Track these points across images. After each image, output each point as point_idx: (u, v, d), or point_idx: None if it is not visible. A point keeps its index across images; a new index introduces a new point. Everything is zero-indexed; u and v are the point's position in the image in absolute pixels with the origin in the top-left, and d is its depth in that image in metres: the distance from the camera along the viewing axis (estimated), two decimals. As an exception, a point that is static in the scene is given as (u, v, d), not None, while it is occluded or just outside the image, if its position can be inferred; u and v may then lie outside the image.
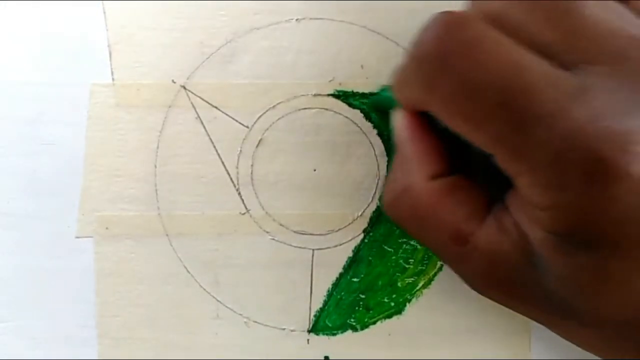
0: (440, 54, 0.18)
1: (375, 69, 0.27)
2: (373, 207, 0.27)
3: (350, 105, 0.27)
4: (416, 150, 0.21)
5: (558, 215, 0.18)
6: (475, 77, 0.18)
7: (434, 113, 0.20)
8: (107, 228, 0.26)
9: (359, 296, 0.26)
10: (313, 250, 0.26)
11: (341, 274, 0.26)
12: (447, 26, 0.18)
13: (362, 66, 0.27)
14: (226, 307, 0.26)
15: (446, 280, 0.26)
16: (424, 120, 0.22)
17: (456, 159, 0.22)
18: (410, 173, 0.21)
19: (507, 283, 0.20)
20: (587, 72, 0.17)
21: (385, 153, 0.27)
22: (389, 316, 0.26)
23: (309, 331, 0.26)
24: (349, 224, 0.27)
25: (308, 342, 0.26)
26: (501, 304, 0.22)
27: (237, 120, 0.27)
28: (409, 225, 0.22)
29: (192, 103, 0.27)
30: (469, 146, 0.19)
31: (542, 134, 0.17)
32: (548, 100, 0.17)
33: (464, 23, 0.18)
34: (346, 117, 0.27)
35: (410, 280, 0.26)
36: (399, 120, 0.22)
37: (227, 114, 0.27)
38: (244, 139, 0.27)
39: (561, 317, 0.20)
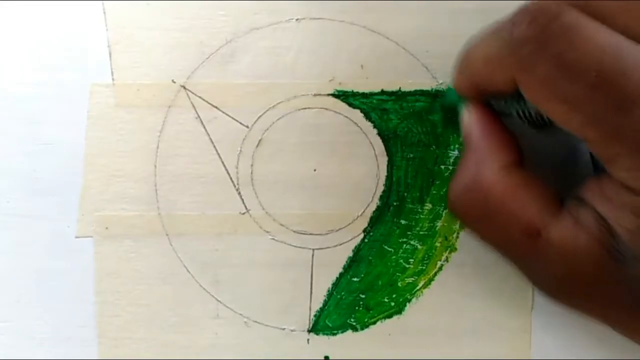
0: (539, 37, 0.18)
1: (375, 69, 0.27)
2: (373, 207, 0.27)
3: (350, 105, 0.27)
4: (489, 142, 0.22)
5: None
6: (574, 59, 0.18)
7: (526, 94, 0.20)
8: (107, 228, 0.26)
9: (359, 296, 0.26)
10: (313, 250, 0.26)
11: (341, 274, 0.26)
12: (544, 12, 0.19)
13: (362, 66, 0.27)
14: (226, 307, 0.26)
15: (446, 280, 0.26)
16: (495, 114, 0.22)
17: (524, 152, 0.22)
18: (482, 165, 0.21)
19: (584, 281, 0.20)
20: None
21: (385, 153, 0.27)
22: (389, 316, 0.26)
23: (309, 331, 0.26)
24: (349, 224, 0.27)
25: (308, 342, 0.26)
26: (570, 304, 0.21)
27: (237, 120, 0.27)
28: (477, 220, 0.22)
29: (192, 103, 0.27)
30: (533, 144, 0.19)
31: None
32: None
33: (560, 10, 0.18)
34: (346, 117, 0.27)
35: (410, 280, 0.26)
36: (470, 115, 0.22)
37: (227, 114, 0.27)
38: (244, 139, 0.27)
39: None
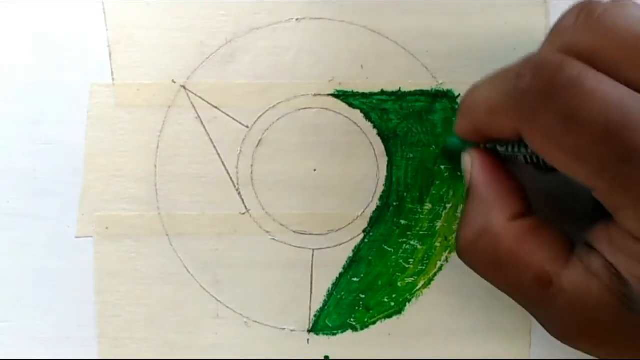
0: (543, 89, 0.19)
1: (375, 69, 0.27)
2: (373, 207, 0.27)
3: (350, 105, 0.27)
4: (495, 191, 0.21)
5: None
6: (578, 112, 0.18)
7: (530, 144, 0.20)
8: (107, 228, 0.26)
9: (359, 296, 0.26)
10: (313, 250, 0.26)
11: (341, 274, 0.26)
12: (548, 64, 0.19)
13: (362, 66, 0.27)
14: (226, 307, 0.26)
15: (446, 280, 0.26)
16: (500, 161, 0.22)
17: (530, 199, 0.22)
18: (489, 215, 0.21)
19: (597, 329, 0.20)
20: None
21: (385, 153, 0.27)
22: (389, 316, 0.26)
23: (309, 331, 0.26)
24: (349, 224, 0.27)
25: (308, 342, 0.26)
26: (584, 350, 0.21)
27: (237, 120, 0.27)
28: (488, 269, 0.22)
29: (192, 103, 0.27)
30: (539, 188, 0.19)
31: None
32: None
33: (564, 62, 0.19)
34: (346, 117, 0.27)
35: (410, 280, 0.26)
36: (474, 162, 0.22)
37: (227, 114, 0.27)
38: (244, 139, 0.27)
39: None
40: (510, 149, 0.22)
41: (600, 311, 0.19)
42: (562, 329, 0.21)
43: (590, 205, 0.22)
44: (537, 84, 0.19)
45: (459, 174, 0.26)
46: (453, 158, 0.26)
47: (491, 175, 0.22)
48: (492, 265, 0.21)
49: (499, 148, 0.23)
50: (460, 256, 0.23)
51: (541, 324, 0.22)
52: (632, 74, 0.18)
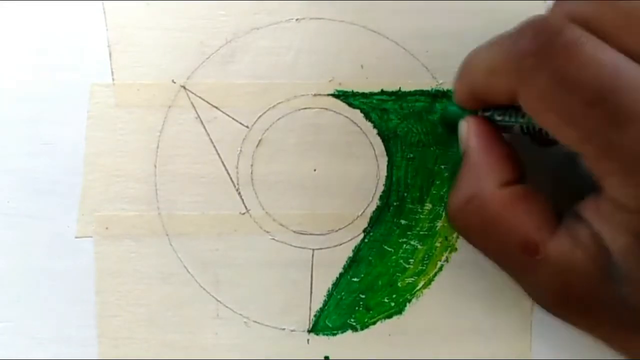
0: (541, 51, 0.19)
1: (375, 69, 0.27)
2: (373, 207, 0.27)
3: (350, 105, 0.27)
4: (487, 157, 0.22)
5: None
6: (573, 75, 0.18)
7: (524, 105, 0.20)
8: (107, 228, 0.26)
9: (359, 296, 0.26)
10: (313, 250, 0.26)
11: (341, 274, 0.26)
12: (547, 27, 0.19)
13: (362, 66, 0.27)
14: (226, 307, 0.26)
15: (446, 280, 0.26)
16: (495, 128, 0.22)
17: (524, 167, 0.22)
18: (480, 180, 0.21)
19: (578, 297, 0.20)
20: None
21: (385, 153, 0.27)
22: (389, 316, 0.26)
23: (309, 331, 0.26)
24: (349, 224, 0.27)
25: (308, 342, 0.26)
26: (568, 320, 0.21)
27: (237, 120, 0.27)
28: (475, 234, 0.22)
29: (192, 103, 0.27)
30: (534, 158, 0.19)
31: (637, 133, 0.17)
32: None
33: (563, 26, 0.19)
34: (346, 117, 0.27)
35: (410, 280, 0.26)
36: (469, 128, 0.22)
37: (227, 114, 0.27)
38: (244, 139, 0.27)
39: (633, 334, 0.20)
40: (507, 117, 0.22)
41: (583, 281, 0.19)
42: (546, 298, 0.21)
43: (583, 178, 0.22)
44: (536, 44, 0.19)
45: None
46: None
47: (485, 142, 0.22)
48: (479, 231, 0.22)
49: (496, 117, 0.23)
50: (449, 221, 0.23)
51: (527, 292, 0.22)
52: (631, 42, 0.18)
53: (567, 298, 0.20)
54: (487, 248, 0.22)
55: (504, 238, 0.21)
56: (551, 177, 0.20)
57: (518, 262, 0.21)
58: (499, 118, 0.22)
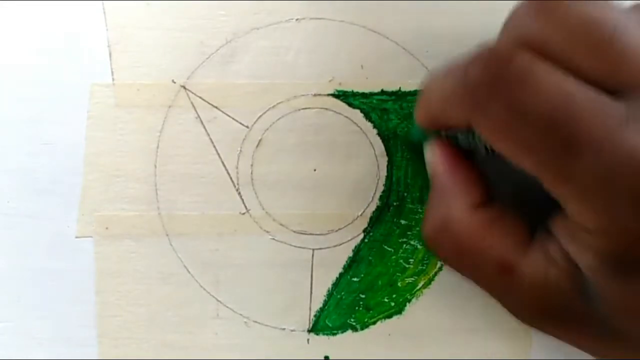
0: (493, 80, 0.19)
1: (375, 69, 0.27)
2: (373, 207, 0.27)
3: (350, 105, 0.27)
4: (455, 181, 0.22)
5: (610, 240, 0.18)
6: (525, 104, 0.18)
7: (480, 134, 0.20)
8: (107, 228, 0.26)
9: (359, 296, 0.26)
10: (313, 250, 0.26)
11: (341, 274, 0.26)
12: (497, 56, 0.19)
13: (362, 66, 0.27)
14: (226, 307, 0.26)
15: (446, 280, 0.26)
16: (459, 151, 0.22)
17: (492, 187, 0.22)
18: (450, 205, 0.21)
19: (555, 312, 0.20)
20: (634, 98, 0.18)
21: (385, 153, 0.27)
22: (389, 316, 0.26)
23: (309, 331, 0.26)
24: (349, 224, 0.27)
25: (308, 342, 0.26)
26: (549, 333, 0.22)
27: (237, 120, 0.27)
28: (452, 259, 0.22)
29: (192, 103, 0.27)
30: (503, 175, 0.19)
31: (591, 159, 0.17)
32: (597, 126, 0.17)
33: (513, 53, 0.19)
34: (346, 117, 0.27)
35: (411, 280, 0.26)
36: (434, 153, 0.22)
37: (227, 114, 0.27)
38: (244, 139, 0.27)
39: (611, 344, 0.20)
40: (470, 139, 0.22)
41: (558, 297, 0.20)
42: (524, 314, 0.21)
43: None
44: (486, 75, 0.19)
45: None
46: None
47: (451, 165, 0.22)
48: (455, 255, 0.22)
49: (459, 138, 0.23)
50: (426, 246, 0.23)
51: (506, 308, 0.22)
52: (582, 63, 0.18)
53: (545, 314, 0.20)
54: (465, 271, 0.22)
55: (478, 261, 0.21)
56: (520, 191, 0.20)
57: (496, 283, 0.21)
58: (462, 140, 0.22)
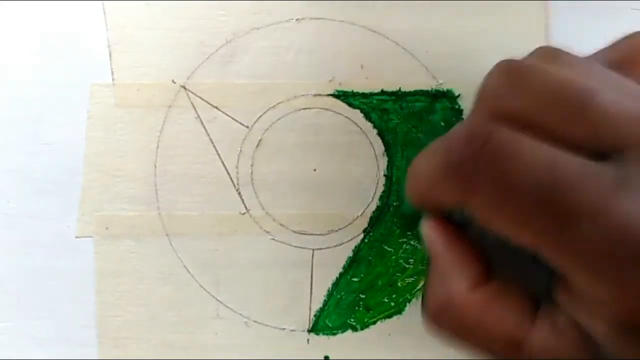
0: (474, 161, 0.18)
1: (375, 69, 0.27)
2: (373, 207, 0.27)
3: (350, 105, 0.27)
4: (453, 261, 0.21)
5: (621, 307, 0.17)
6: (512, 180, 0.18)
7: (472, 215, 0.19)
8: (107, 228, 0.26)
9: (359, 296, 0.26)
10: (313, 250, 0.26)
11: (341, 274, 0.26)
12: (475, 135, 0.19)
13: (362, 66, 0.27)
14: (226, 307, 0.26)
15: (446, 280, 0.26)
16: (455, 227, 0.21)
17: (491, 260, 0.21)
18: (450, 285, 0.21)
19: None
20: (621, 161, 0.17)
21: (385, 153, 0.27)
22: (389, 316, 0.26)
23: (309, 331, 0.26)
24: (349, 224, 0.27)
25: (308, 342, 0.26)
26: None
27: (237, 120, 0.27)
28: (456, 339, 0.21)
29: (192, 103, 0.27)
30: (501, 246, 0.19)
31: (589, 229, 0.17)
32: (589, 195, 0.17)
33: (491, 130, 0.18)
34: (346, 117, 0.27)
35: (411, 280, 0.26)
36: (430, 231, 0.22)
37: (227, 114, 0.27)
38: (244, 139, 0.27)
39: None
40: (463, 214, 0.21)
41: None
42: None
43: None
44: (467, 155, 0.19)
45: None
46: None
47: (448, 244, 0.21)
48: (460, 336, 0.21)
49: (454, 215, 0.22)
50: (427, 328, 0.22)
51: None
52: (563, 130, 0.18)
53: None
54: (471, 350, 0.22)
55: (485, 340, 0.20)
56: (520, 261, 0.20)
57: (504, 358, 0.20)
58: (456, 215, 0.22)
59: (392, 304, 0.26)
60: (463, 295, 0.20)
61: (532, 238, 0.18)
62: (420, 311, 0.22)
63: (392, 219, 0.27)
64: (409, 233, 0.27)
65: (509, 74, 0.19)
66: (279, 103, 0.27)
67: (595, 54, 0.21)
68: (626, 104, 0.18)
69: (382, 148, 0.27)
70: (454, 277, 0.21)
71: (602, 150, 0.18)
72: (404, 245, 0.26)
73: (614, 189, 0.17)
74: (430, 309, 0.22)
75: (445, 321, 0.21)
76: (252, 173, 0.27)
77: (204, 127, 0.27)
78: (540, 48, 0.21)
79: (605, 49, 0.21)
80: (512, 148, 0.18)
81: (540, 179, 0.17)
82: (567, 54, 0.20)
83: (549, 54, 0.20)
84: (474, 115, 0.20)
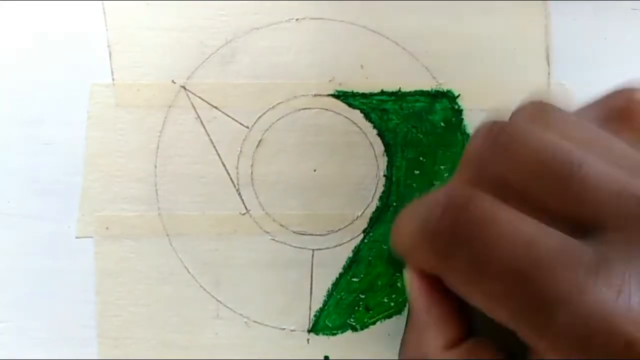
0: (450, 232, 0.18)
1: (375, 69, 0.27)
2: (373, 207, 0.27)
3: (350, 105, 0.27)
4: (431, 318, 0.21)
5: None
6: (488, 257, 0.17)
7: (448, 285, 0.19)
8: (107, 228, 0.26)
9: (358, 296, 0.26)
10: (313, 250, 0.26)
11: (341, 274, 0.26)
12: (452, 202, 0.18)
13: (362, 66, 0.27)
14: (226, 307, 0.26)
15: (446, 280, 0.26)
16: (437, 283, 0.21)
17: (472, 314, 0.21)
18: (425, 342, 0.20)
19: None
20: (602, 241, 0.17)
21: (385, 153, 0.27)
22: (389, 316, 0.26)
23: (309, 331, 0.26)
24: (349, 224, 0.27)
25: (308, 342, 0.26)
26: None
27: (237, 120, 0.27)
28: None
29: (192, 103, 0.27)
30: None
31: (564, 315, 0.16)
32: (566, 279, 0.16)
33: (469, 198, 0.18)
34: (346, 117, 0.27)
35: (410, 280, 0.26)
36: (412, 285, 0.21)
37: (227, 114, 0.27)
38: (244, 139, 0.27)
39: None
40: None
41: None
42: None
43: None
44: (443, 225, 0.18)
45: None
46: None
47: (428, 299, 0.21)
48: None
49: None
50: None
51: None
52: (545, 201, 0.18)
53: None
54: None
55: None
56: (498, 327, 0.20)
57: None
58: None
59: (392, 304, 0.26)
60: (437, 355, 0.20)
61: (508, 319, 0.18)
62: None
63: (392, 219, 0.27)
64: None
65: (493, 138, 0.18)
66: (279, 103, 0.27)
67: (585, 108, 0.21)
68: (612, 175, 0.18)
69: (382, 148, 0.27)
70: (431, 334, 0.20)
71: (584, 223, 0.17)
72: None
73: (589, 274, 0.16)
74: None
75: None
76: (252, 173, 0.27)
77: (204, 127, 0.27)
78: (529, 104, 0.20)
79: (595, 103, 0.21)
80: (489, 220, 0.17)
81: (518, 256, 0.17)
82: (556, 111, 0.19)
83: (537, 113, 0.19)
84: (456, 179, 0.19)
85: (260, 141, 0.27)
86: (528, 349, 0.19)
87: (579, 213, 0.17)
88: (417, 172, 0.27)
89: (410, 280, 0.21)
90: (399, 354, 0.22)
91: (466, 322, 0.21)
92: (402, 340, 0.22)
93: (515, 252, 0.17)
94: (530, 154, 0.18)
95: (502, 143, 0.18)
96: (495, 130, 0.19)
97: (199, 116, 0.27)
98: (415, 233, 0.19)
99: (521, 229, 0.17)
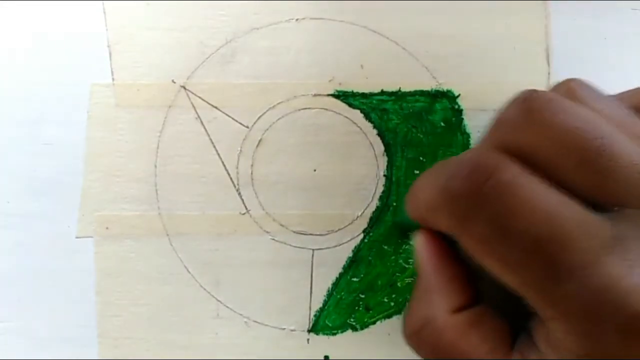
0: (474, 195, 0.18)
1: (375, 69, 0.27)
2: (373, 207, 0.27)
3: (350, 105, 0.27)
4: (439, 281, 0.21)
5: None
6: (508, 222, 0.17)
7: (463, 247, 0.19)
8: (107, 228, 0.26)
9: (358, 296, 0.26)
10: (313, 250, 0.26)
11: (341, 274, 0.26)
12: (480, 168, 0.18)
13: (362, 66, 0.27)
14: (226, 307, 0.26)
15: (446, 280, 0.26)
16: (447, 247, 0.21)
17: (480, 281, 0.21)
18: (432, 305, 0.21)
19: None
20: (621, 217, 0.17)
21: (385, 153, 0.27)
22: (389, 316, 0.26)
23: (309, 331, 0.26)
24: (349, 224, 0.27)
25: (308, 342, 0.26)
26: None
27: (237, 120, 0.27)
28: (430, 358, 0.22)
29: (192, 103, 0.27)
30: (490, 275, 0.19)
31: (576, 285, 0.17)
32: (582, 251, 0.17)
33: (496, 165, 0.18)
34: (346, 117, 0.27)
35: (410, 280, 0.26)
36: (422, 248, 0.22)
37: (227, 114, 0.27)
38: (244, 139, 0.27)
39: None
40: None
41: None
42: None
43: None
44: (468, 187, 0.18)
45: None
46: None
47: (437, 263, 0.21)
48: (435, 357, 0.21)
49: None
50: (405, 341, 0.22)
51: None
52: (570, 176, 0.18)
53: None
54: None
55: None
56: (505, 296, 0.20)
57: None
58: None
59: (392, 304, 0.26)
60: (444, 317, 0.20)
61: (519, 284, 0.18)
62: (401, 326, 0.22)
63: (391, 219, 0.27)
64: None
65: (527, 107, 0.19)
66: (279, 103, 0.27)
67: (622, 93, 0.21)
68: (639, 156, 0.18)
69: (382, 148, 0.27)
70: (437, 298, 0.21)
71: (604, 201, 0.18)
72: (404, 245, 0.27)
73: (605, 248, 0.17)
74: (410, 325, 0.22)
75: (422, 340, 0.21)
76: (252, 173, 0.27)
77: (204, 127, 0.27)
78: (567, 80, 0.20)
79: (632, 90, 0.21)
80: (514, 189, 0.18)
81: (537, 227, 0.17)
82: (592, 90, 0.20)
83: (573, 89, 0.20)
84: (485, 143, 0.20)
85: (260, 141, 0.27)
86: (531, 318, 0.19)
87: (602, 187, 0.18)
88: (417, 172, 0.27)
89: (421, 243, 0.22)
90: (403, 320, 0.22)
91: (473, 290, 0.21)
92: (406, 307, 0.22)
93: (535, 221, 0.17)
94: (562, 124, 0.18)
95: (535, 111, 0.18)
96: (530, 99, 0.19)
97: (199, 116, 0.27)
98: (437, 193, 0.19)
99: (543, 199, 0.17)
